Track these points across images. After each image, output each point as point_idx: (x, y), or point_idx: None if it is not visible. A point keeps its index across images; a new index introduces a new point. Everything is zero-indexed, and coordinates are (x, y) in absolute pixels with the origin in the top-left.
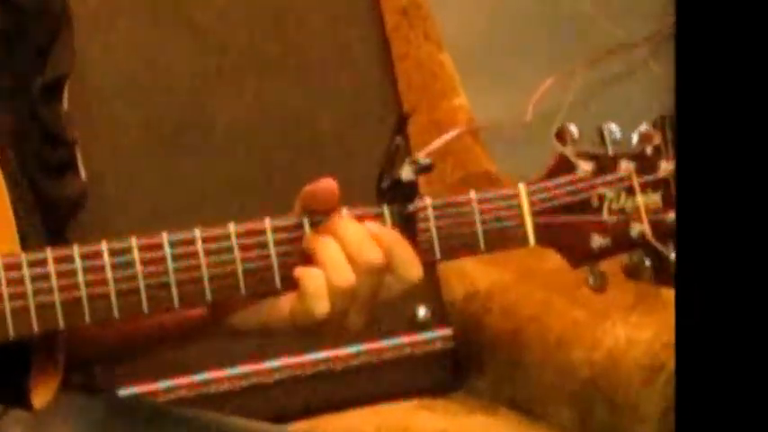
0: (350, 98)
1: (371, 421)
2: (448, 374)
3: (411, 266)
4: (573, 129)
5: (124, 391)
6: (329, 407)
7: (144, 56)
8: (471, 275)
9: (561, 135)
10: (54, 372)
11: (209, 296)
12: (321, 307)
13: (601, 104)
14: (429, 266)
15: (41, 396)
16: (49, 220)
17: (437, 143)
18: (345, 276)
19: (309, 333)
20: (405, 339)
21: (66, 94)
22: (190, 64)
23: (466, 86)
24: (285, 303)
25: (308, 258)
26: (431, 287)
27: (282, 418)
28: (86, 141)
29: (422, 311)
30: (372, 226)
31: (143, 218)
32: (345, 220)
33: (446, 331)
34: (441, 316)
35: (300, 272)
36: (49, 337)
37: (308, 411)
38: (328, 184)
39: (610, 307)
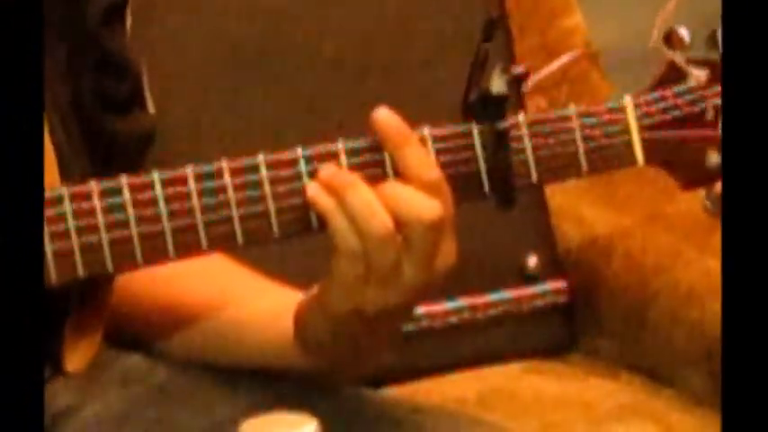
0: (448, 18)
1: (473, 386)
2: (561, 333)
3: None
4: (683, 32)
5: None
6: (425, 370)
7: None
8: (589, 220)
9: (670, 39)
10: (92, 334)
11: (240, 238)
12: (352, 241)
13: None
14: (529, 190)
15: (76, 359)
16: (117, 162)
17: (549, 69)
18: (381, 221)
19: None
20: (512, 293)
21: (129, 17)
22: None
23: (582, 4)
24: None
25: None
26: (542, 233)
27: (373, 382)
28: (153, 68)
29: (532, 261)
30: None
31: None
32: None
33: (560, 283)
34: (554, 266)
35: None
36: (90, 294)
37: (402, 375)
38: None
39: None
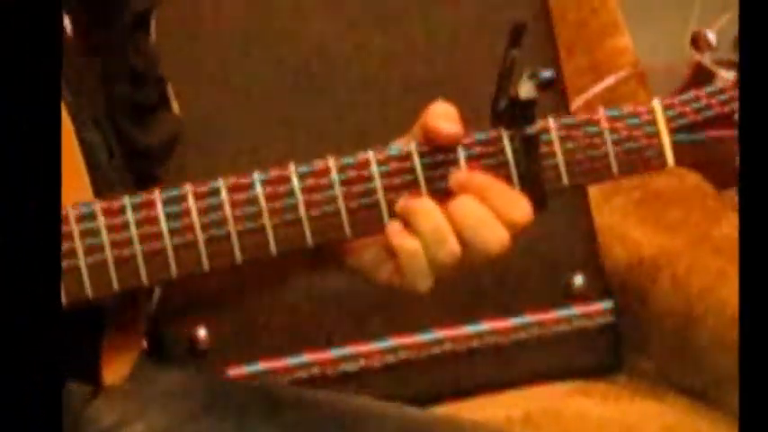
0: (495, 40)
1: (519, 406)
2: (608, 354)
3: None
4: (710, 35)
5: (254, 368)
6: (472, 389)
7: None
8: (636, 241)
9: (697, 42)
10: (131, 345)
11: (309, 240)
12: (424, 284)
13: None
14: (572, 202)
15: (114, 371)
16: (142, 166)
17: (596, 89)
18: (449, 249)
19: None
20: (558, 313)
21: (153, 27)
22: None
23: (629, 23)
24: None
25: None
26: (589, 253)
27: (420, 401)
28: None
29: (578, 280)
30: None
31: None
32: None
33: (606, 304)
34: (600, 286)
35: (398, 243)
36: (126, 303)
37: (449, 394)
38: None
39: None
